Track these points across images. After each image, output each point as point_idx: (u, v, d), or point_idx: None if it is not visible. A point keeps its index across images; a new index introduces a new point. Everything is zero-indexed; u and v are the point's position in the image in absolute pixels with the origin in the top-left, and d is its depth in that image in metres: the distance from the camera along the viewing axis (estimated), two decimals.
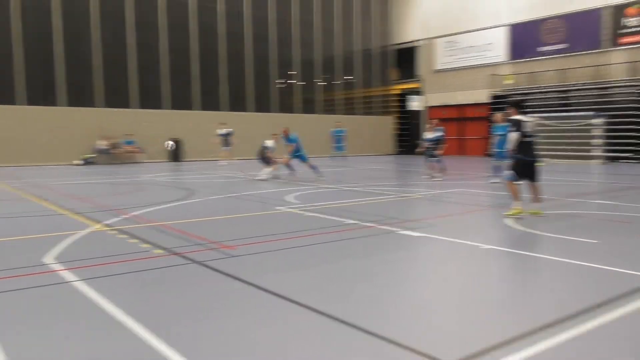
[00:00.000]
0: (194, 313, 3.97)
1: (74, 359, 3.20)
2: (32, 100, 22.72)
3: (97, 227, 7.43)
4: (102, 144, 23.59)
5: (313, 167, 15.49)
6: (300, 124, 29.96)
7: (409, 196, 11.56)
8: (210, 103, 27.29)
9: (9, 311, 3.99)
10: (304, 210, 9.08)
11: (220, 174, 17.56)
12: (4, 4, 22.02)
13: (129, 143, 24.30)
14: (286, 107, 30.16)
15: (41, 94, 22.96)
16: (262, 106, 29.12)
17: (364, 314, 3.90)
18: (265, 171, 15.07)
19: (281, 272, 5.13)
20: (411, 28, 34.50)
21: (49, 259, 5.49)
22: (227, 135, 22.71)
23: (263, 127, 26.62)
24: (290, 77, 30.42)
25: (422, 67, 34.01)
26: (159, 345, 3.31)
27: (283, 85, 30.14)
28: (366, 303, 4.20)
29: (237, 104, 28.20)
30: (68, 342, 3.43)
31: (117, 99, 24.63)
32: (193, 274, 5.06)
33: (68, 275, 4.87)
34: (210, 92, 27.43)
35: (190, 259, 5.52)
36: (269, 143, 15.51)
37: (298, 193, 11.66)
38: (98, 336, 3.52)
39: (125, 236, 6.74)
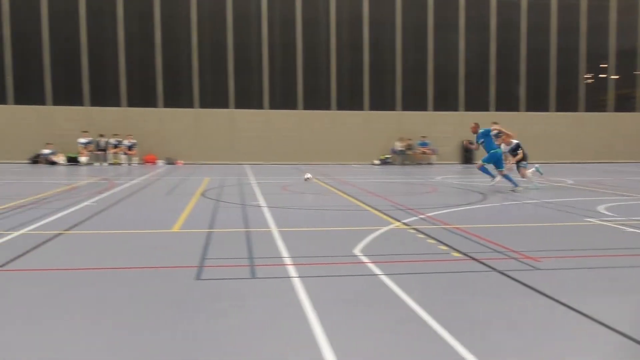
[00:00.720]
0: (495, 324, 3.74)
1: (377, 342, 3.35)
2: (341, 106, 25.65)
3: (397, 224, 7.80)
4: (399, 145, 25.04)
5: (487, 171, 13.26)
6: (614, 123, 26.38)
7: None
8: (505, 103, 26.27)
9: (327, 292, 4.43)
10: (623, 224, 7.81)
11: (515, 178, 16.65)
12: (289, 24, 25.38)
13: (423, 145, 25.20)
14: (595, 105, 26.88)
15: (349, 101, 25.73)
16: (566, 105, 26.56)
17: None
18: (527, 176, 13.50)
19: (598, 294, 4.46)
20: None
21: (357, 250, 5.97)
22: (497, 135, 21.08)
23: (564, 127, 24.37)
24: (602, 70, 26.96)
25: None
26: (463, 351, 3.21)
27: (591, 81, 26.94)
28: None
29: (537, 104, 26.40)
30: (372, 327, 3.61)
31: (414, 101, 25.88)
32: (494, 283, 4.81)
33: (374, 268, 5.18)
34: (506, 91, 26.40)
35: (490, 267, 5.27)
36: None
37: (611, 204, 10.15)
38: (401, 330, 3.61)
39: (423, 236, 6.88)
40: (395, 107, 25.95)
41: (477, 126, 13.42)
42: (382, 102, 25.84)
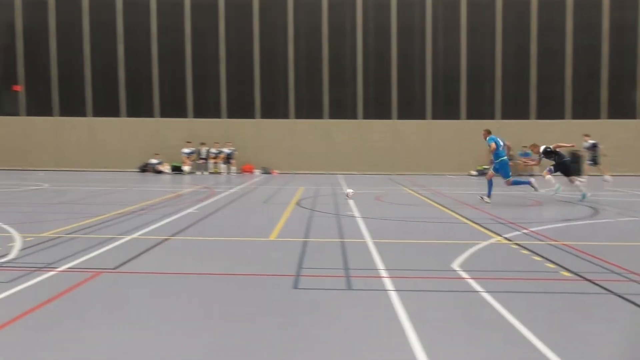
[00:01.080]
0: (615, 352, 3.38)
1: None
2: (436, 115, 25.07)
3: (498, 239, 7.40)
4: None
5: (520, 182, 13.25)
6: None
7: None
8: (619, 109, 24.38)
9: (426, 308, 4.25)
10: None
11: (631, 192, 15.33)
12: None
13: (525, 155, 23.89)
14: None
15: (444, 109, 25.07)
16: None
17: None
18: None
19: None
20: None
21: (456, 265, 5.72)
22: (592, 147, 19.42)
23: None
24: None
25: None
26: None
27: None
28: None
29: (620, 111, 24.35)
30: (475, 347, 3.40)
31: (515, 109, 24.70)
32: (612, 307, 4.38)
33: (475, 285, 4.92)
34: (620, 97, 24.51)
35: (607, 289, 4.82)
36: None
37: None
38: (507, 351, 3.39)
39: (527, 252, 6.46)
40: (493, 116, 24.89)
41: (487, 133, 13.07)
42: (479, 110, 24.88)
